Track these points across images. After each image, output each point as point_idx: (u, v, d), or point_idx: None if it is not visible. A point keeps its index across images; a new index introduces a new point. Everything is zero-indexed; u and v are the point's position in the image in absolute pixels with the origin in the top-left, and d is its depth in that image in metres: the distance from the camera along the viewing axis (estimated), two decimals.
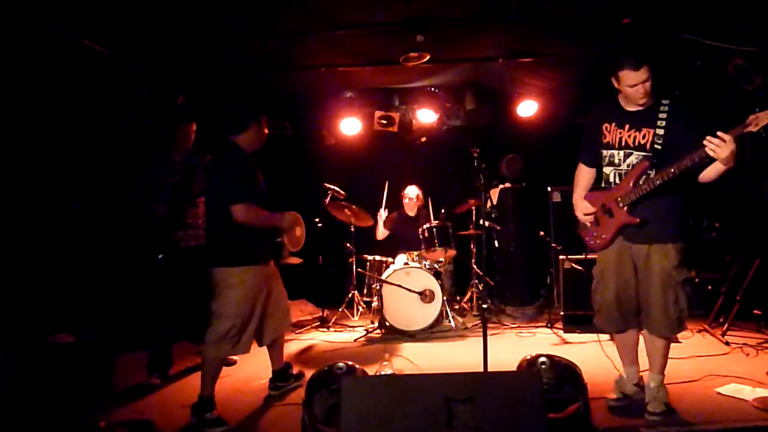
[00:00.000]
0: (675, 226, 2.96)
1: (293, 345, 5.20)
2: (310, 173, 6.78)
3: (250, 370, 4.29)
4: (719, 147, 2.59)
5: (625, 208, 2.98)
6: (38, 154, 4.44)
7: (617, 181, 3.05)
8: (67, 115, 4.55)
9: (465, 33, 4.68)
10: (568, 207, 3.50)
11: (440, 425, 2.22)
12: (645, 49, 2.89)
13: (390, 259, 5.83)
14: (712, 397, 3.29)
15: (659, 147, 2.88)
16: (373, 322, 5.63)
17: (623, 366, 3.33)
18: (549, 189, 5.90)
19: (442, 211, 6.07)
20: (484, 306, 3.57)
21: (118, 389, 3.83)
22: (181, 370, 4.27)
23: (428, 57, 4.73)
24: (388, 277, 5.36)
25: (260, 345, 3.60)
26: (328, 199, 5.84)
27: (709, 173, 2.82)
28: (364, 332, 5.41)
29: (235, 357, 4.46)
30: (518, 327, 5.52)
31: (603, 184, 3.14)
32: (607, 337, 4.10)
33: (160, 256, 3.95)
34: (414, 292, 5.24)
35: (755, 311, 4.84)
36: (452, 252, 5.73)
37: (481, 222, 4.23)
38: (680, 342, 4.56)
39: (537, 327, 5.47)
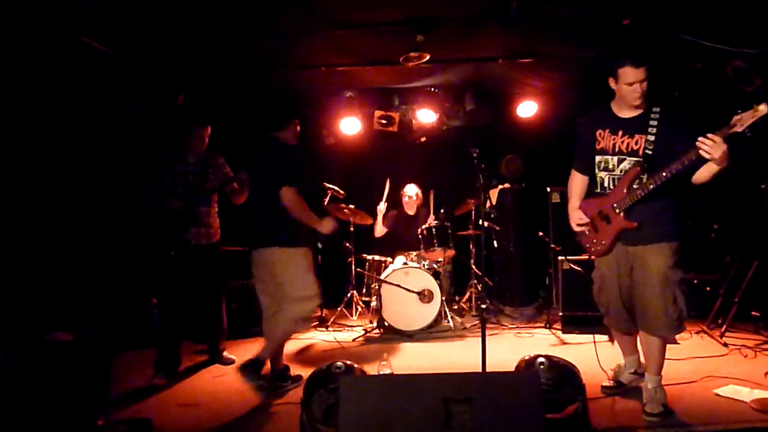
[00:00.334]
0: (669, 226, 3.01)
1: (292, 344, 5.19)
2: (309, 172, 6.77)
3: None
4: (712, 148, 2.65)
5: (622, 214, 3.03)
6: (38, 152, 4.43)
7: (611, 185, 3.10)
8: (67, 114, 4.55)
9: (465, 33, 4.68)
10: (567, 207, 3.52)
11: (439, 425, 2.22)
12: (646, 52, 2.94)
13: (389, 259, 5.84)
14: (711, 398, 3.29)
15: (650, 152, 2.94)
16: (371, 322, 5.63)
17: (623, 356, 3.47)
18: (548, 189, 5.90)
19: (441, 211, 6.07)
20: (483, 306, 3.57)
21: (120, 388, 3.82)
22: (180, 370, 4.27)
23: (428, 57, 4.74)
24: (387, 276, 5.37)
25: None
26: (327, 199, 5.84)
27: (702, 174, 2.86)
28: (363, 332, 5.41)
29: (234, 357, 4.48)
30: (517, 327, 5.53)
31: (598, 189, 3.19)
32: (604, 338, 4.10)
33: (172, 253, 3.96)
34: (413, 292, 5.24)
35: (753, 313, 4.84)
36: (451, 252, 5.73)
37: (481, 222, 4.22)
38: (678, 343, 4.57)
39: (536, 327, 5.47)
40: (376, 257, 5.92)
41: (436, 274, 5.46)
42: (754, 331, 4.76)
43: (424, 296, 5.25)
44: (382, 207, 6.21)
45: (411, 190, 6.31)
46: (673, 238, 3.00)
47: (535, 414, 2.26)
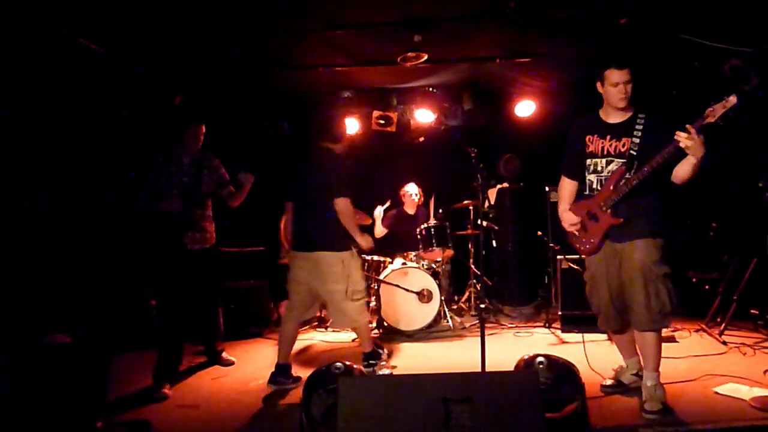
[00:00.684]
0: (655, 223, 3.12)
1: None
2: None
3: (247, 371, 4.29)
4: (688, 139, 2.80)
5: (609, 211, 3.14)
6: (35, 154, 4.43)
7: (599, 187, 3.23)
8: (64, 114, 4.54)
9: (463, 33, 4.68)
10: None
11: (438, 425, 2.22)
12: (632, 55, 3.12)
13: (388, 259, 5.83)
14: (710, 396, 3.30)
15: (635, 153, 3.08)
16: (370, 322, 5.62)
17: (623, 359, 3.52)
18: (547, 189, 5.90)
19: (440, 210, 6.07)
20: (482, 306, 3.58)
21: (119, 390, 3.81)
22: (180, 371, 4.26)
23: (426, 57, 4.73)
24: (385, 277, 5.36)
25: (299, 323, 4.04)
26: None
27: (682, 169, 2.98)
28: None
29: (233, 358, 4.48)
30: (516, 327, 5.53)
31: (587, 191, 3.30)
32: (593, 337, 4.10)
33: (173, 260, 3.92)
34: (412, 292, 5.24)
35: (752, 311, 4.85)
36: (450, 252, 5.73)
37: (479, 222, 4.23)
38: (677, 342, 4.58)
39: (534, 327, 5.47)
40: (375, 257, 5.92)
41: (435, 274, 5.45)
42: (753, 329, 4.76)
43: (423, 296, 5.25)
44: (378, 212, 6.20)
45: (413, 189, 6.30)
46: (658, 235, 3.11)
47: (534, 413, 2.26)
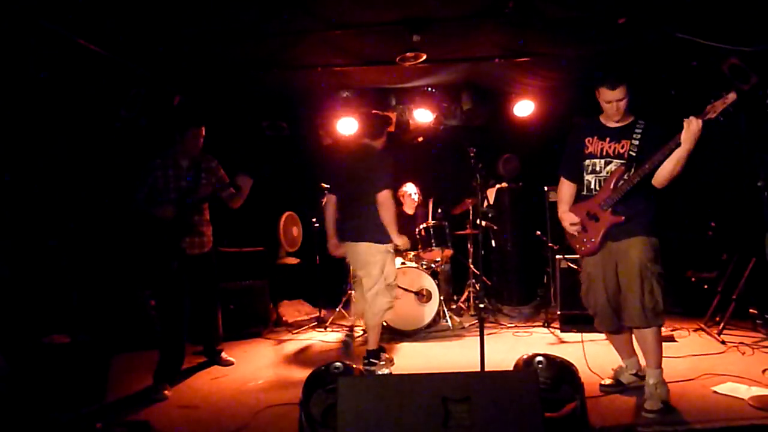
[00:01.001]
0: (650, 222, 3.19)
1: (290, 345, 5.20)
2: (307, 173, 6.77)
3: (246, 371, 4.29)
4: (690, 123, 2.88)
5: (609, 210, 3.18)
6: (34, 154, 4.42)
7: (598, 187, 3.26)
8: (63, 115, 4.53)
9: (461, 33, 4.68)
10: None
11: (437, 425, 2.22)
12: (625, 71, 3.18)
13: None
14: (709, 395, 3.31)
15: (634, 154, 3.14)
16: None
17: (621, 359, 3.55)
18: (546, 189, 5.90)
19: (439, 210, 6.07)
20: (481, 305, 3.59)
21: (118, 390, 3.81)
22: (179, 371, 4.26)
23: (425, 57, 4.74)
24: None
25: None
26: (324, 199, 5.83)
27: (666, 167, 3.00)
28: (362, 332, 5.40)
29: (232, 358, 4.47)
30: (515, 326, 5.53)
31: (585, 192, 3.34)
32: (592, 336, 4.09)
33: (174, 264, 3.91)
34: (411, 291, 5.24)
35: (751, 310, 4.84)
36: (449, 252, 5.72)
37: (478, 221, 4.23)
38: (676, 341, 4.58)
39: (534, 326, 5.47)
40: None
41: (434, 274, 5.45)
42: (751, 329, 4.76)
43: (423, 296, 5.25)
44: None
45: (411, 189, 6.29)
46: (653, 234, 3.18)
47: (533, 413, 2.26)
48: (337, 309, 6.04)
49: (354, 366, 2.98)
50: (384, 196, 3.99)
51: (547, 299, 5.92)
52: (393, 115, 6.38)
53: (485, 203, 5.86)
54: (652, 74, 5.38)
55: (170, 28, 4.25)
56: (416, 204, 6.31)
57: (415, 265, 5.44)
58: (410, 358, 4.55)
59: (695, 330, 4.89)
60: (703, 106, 2.94)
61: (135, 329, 5.01)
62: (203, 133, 4.14)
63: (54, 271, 4.47)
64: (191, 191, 4.01)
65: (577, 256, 4.83)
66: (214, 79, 5.48)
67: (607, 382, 3.49)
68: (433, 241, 5.53)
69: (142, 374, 3.97)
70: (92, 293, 4.76)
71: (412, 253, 5.69)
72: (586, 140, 3.32)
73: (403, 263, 5.51)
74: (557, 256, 5.26)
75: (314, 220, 5.94)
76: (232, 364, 4.42)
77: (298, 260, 6.47)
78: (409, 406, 2.26)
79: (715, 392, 3.33)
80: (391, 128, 6.36)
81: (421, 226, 5.64)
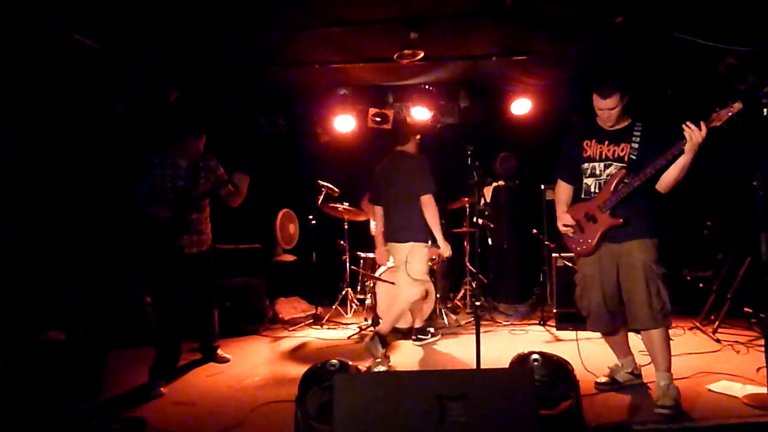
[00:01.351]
0: (651, 223, 3.19)
1: (286, 342, 5.20)
2: (303, 170, 6.77)
3: (242, 368, 4.29)
4: (695, 131, 2.85)
5: (608, 212, 3.17)
6: (30, 150, 4.40)
7: (597, 190, 3.25)
8: (60, 111, 4.51)
9: (459, 31, 4.67)
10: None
11: (432, 422, 2.22)
12: (618, 79, 3.12)
13: None
14: (703, 394, 3.32)
15: (634, 158, 3.13)
16: (366, 320, 5.62)
17: (617, 358, 3.54)
18: (542, 187, 5.91)
19: None
20: (477, 303, 3.58)
21: (114, 387, 3.81)
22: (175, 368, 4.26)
23: (422, 54, 4.73)
24: (381, 274, 5.36)
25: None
26: (321, 197, 5.84)
27: (671, 174, 3.01)
28: (358, 329, 5.41)
29: (228, 355, 4.47)
30: (511, 324, 5.54)
31: (583, 195, 3.32)
32: (587, 335, 4.10)
33: (172, 262, 3.89)
34: None
35: (746, 309, 4.85)
36: None
37: (475, 220, 4.24)
38: (672, 339, 4.57)
39: (530, 324, 5.49)
40: (371, 255, 5.91)
41: (430, 272, 5.45)
42: (746, 327, 4.78)
43: None
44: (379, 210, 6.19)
45: None
46: (654, 235, 3.18)
47: (528, 410, 2.26)
48: (334, 306, 6.05)
49: (350, 363, 2.99)
50: (428, 199, 4.29)
51: (543, 297, 5.93)
52: (390, 113, 6.39)
53: (482, 201, 5.86)
54: (648, 73, 5.38)
55: (167, 23, 4.23)
56: None
57: None
58: (406, 356, 4.56)
59: (690, 328, 4.90)
60: (700, 106, 2.93)
61: (131, 326, 5.00)
62: (204, 141, 4.13)
63: (50, 268, 4.45)
64: (189, 192, 4.01)
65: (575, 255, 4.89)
66: (211, 76, 5.46)
67: (603, 380, 3.50)
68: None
69: (138, 371, 3.96)
70: (88, 289, 4.74)
71: None
72: (584, 143, 3.31)
73: None
74: (553, 255, 5.27)
75: (311, 217, 5.94)
76: (228, 361, 4.42)
77: (295, 257, 6.47)
78: (404, 403, 2.26)
79: (709, 390, 3.35)
80: (388, 125, 6.42)
81: None
